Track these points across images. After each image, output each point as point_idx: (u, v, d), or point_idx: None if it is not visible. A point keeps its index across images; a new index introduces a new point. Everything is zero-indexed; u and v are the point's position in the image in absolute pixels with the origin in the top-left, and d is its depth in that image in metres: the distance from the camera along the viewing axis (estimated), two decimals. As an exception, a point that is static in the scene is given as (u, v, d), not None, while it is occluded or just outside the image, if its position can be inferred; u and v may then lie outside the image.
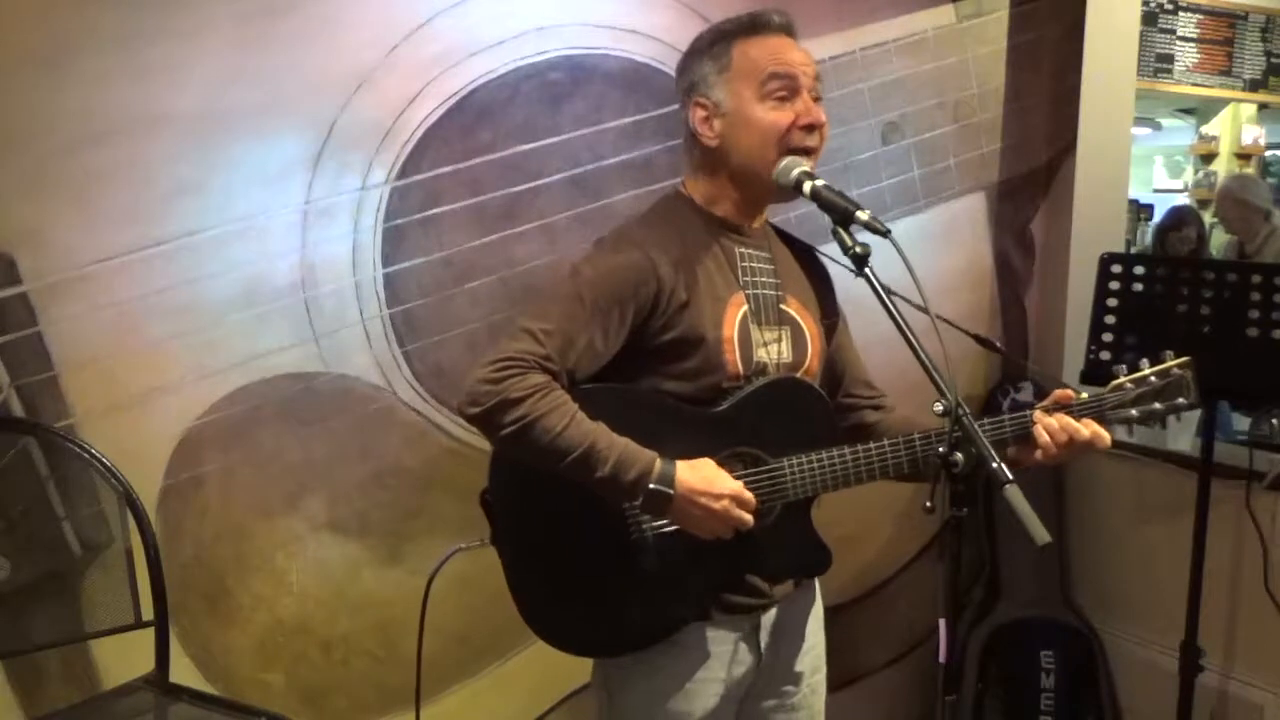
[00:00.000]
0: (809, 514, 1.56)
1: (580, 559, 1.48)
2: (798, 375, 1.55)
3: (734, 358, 1.48)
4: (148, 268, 1.92)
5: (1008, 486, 1.22)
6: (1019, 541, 1.35)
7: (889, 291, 1.36)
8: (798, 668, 1.62)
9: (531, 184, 2.24)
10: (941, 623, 1.31)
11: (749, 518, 1.41)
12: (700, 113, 1.51)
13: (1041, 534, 1.19)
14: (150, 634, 1.87)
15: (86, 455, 1.85)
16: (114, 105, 1.86)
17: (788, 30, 1.52)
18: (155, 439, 1.96)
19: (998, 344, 1.48)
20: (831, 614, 1.72)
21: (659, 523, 1.45)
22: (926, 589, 2.89)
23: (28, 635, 1.86)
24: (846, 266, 1.40)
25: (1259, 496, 2.43)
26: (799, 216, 2.52)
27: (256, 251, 2.01)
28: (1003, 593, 2.85)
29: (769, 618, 1.57)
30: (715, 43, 1.51)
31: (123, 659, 1.91)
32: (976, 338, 1.67)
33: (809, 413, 1.54)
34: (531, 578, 1.50)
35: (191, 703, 1.82)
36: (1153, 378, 1.54)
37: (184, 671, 1.97)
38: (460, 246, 2.18)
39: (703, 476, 1.40)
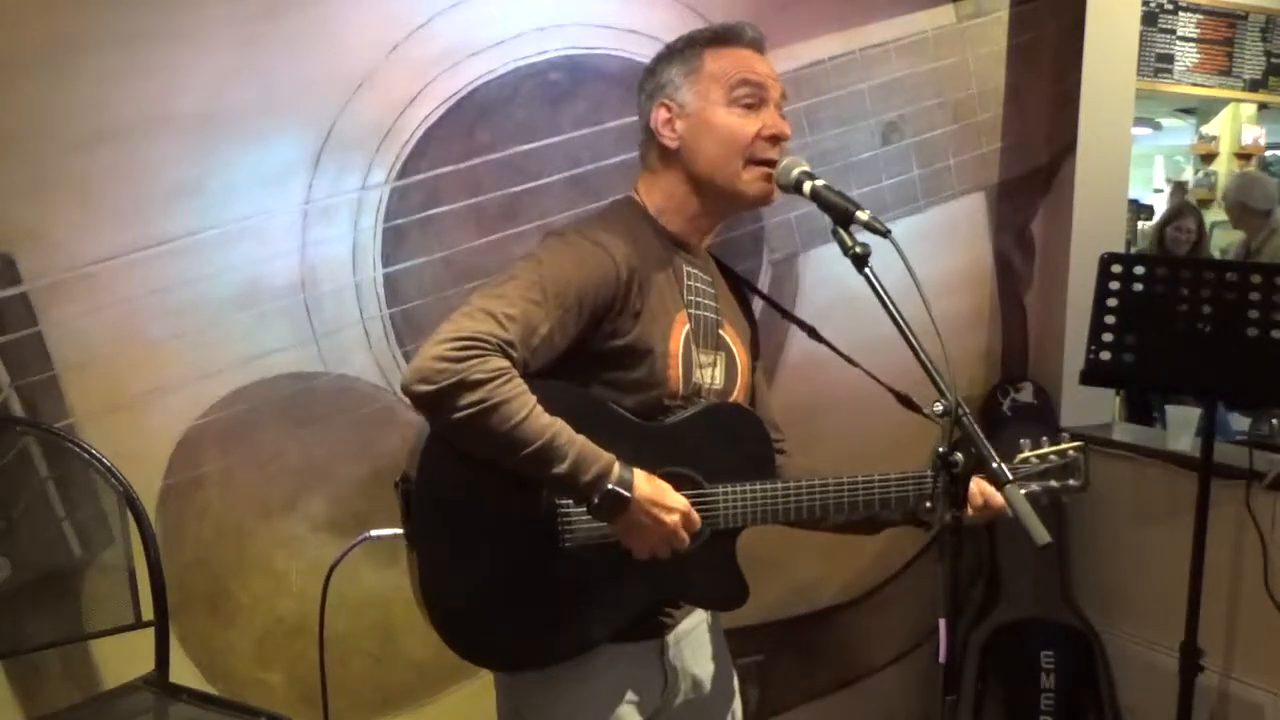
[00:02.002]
0: (734, 545, 1.52)
1: (499, 564, 1.40)
2: (743, 404, 1.54)
3: (676, 374, 1.45)
4: (148, 268, 1.92)
5: (1008, 486, 1.22)
6: (1019, 541, 1.35)
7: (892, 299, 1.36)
8: (708, 688, 1.60)
9: (531, 184, 2.24)
10: (941, 623, 1.31)
11: (688, 539, 1.38)
12: (664, 114, 1.49)
13: (1041, 534, 1.19)
14: (150, 634, 1.87)
15: (86, 455, 1.85)
16: (114, 105, 1.86)
17: (758, 45, 1.52)
18: (155, 439, 1.96)
19: (913, 399, 1.54)
20: (832, 614, 1.72)
21: (589, 532, 1.40)
22: (926, 589, 2.89)
23: (28, 635, 1.86)
24: (767, 297, 1.36)
25: (1259, 496, 2.43)
26: (799, 216, 2.53)
27: (256, 251, 2.01)
28: (1003, 593, 2.85)
29: (673, 637, 1.54)
30: (686, 48, 1.51)
31: (123, 659, 1.91)
32: (897, 394, 1.63)
33: (749, 442, 1.51)
34: (443, 577, 1.40)
35: (191, 703, 1.82)
36: (1053, 456, 1.64)
37: (184, 671, 1.97)
38: (460, 246, 2.18)
39: (658, 488, 1.36)
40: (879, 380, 1.58)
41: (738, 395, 1.56)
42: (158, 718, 1.81)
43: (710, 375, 1.51)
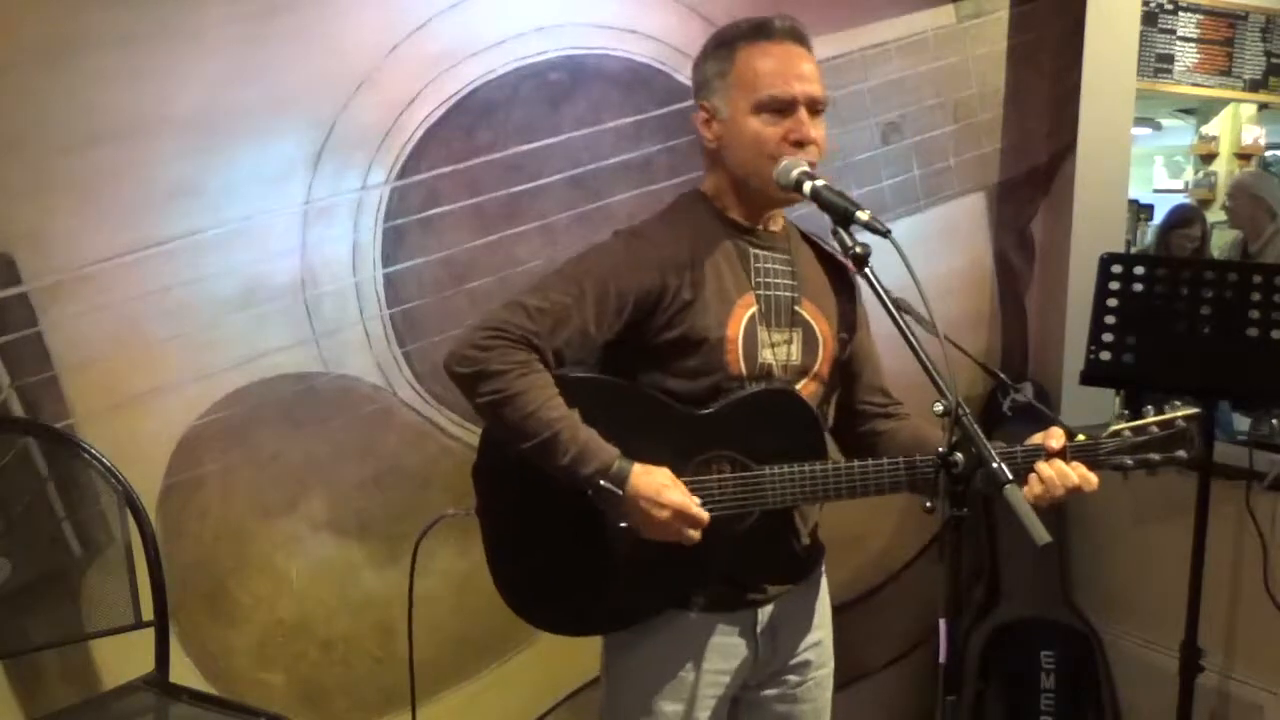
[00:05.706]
0: (789, 522, 1.56)
1: (556, 539, 1.50)
2: (791, 387, 1.55)
3: (736, 358, 1.49)
4: (148, 268, 1.92)
5: (1008, 486, 1.22)
6: (1019, 541, 1.34)
7: (899, 304, 1.35)
8: (798, 659, 1.63)
9: (531, 184, 2.24)
10: (941, 623, 1.31)
11: (694, 534, 1.42)
12: (702, 115, 1.53)
13: (1041, 534, 1.18)
14: (150, 634, 1.87)
15: (86, 455, 1.85)
16: (114, 105, 1.86)
17: (795, 37, 1.50)
18: (155, 439, 1.96)
19: (990, 366, 1.47)
20: (832, 613, 1.72)
21: None
22: (926, 589, 2.89)
23: (28, 635, 1.86)
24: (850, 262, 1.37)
25: (1259, 496, 2.43)
26: (799, 216, 2.52)
27: (256, 251, 2.01)
28: (1003, 593, 2.85)
29: (766, 612, 1.57)
30: (720, 46, 1.52)
31: (123, 659, 1.91)
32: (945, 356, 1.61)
33: (798, 425, 1.53)
34: (509, 551, 1.52)
35: (191, 703, 1.82)
36: (1154, 428, 1.52)
37: (184, 671, 1.97)
38: (460, 246, 2.18)
39: (652, 483, 1.40)
40: (969, 355, 1.52)
41: (820, 368, 1.58)
42: (158, 718, 1.81)
43: (785, 353, 1.54)
